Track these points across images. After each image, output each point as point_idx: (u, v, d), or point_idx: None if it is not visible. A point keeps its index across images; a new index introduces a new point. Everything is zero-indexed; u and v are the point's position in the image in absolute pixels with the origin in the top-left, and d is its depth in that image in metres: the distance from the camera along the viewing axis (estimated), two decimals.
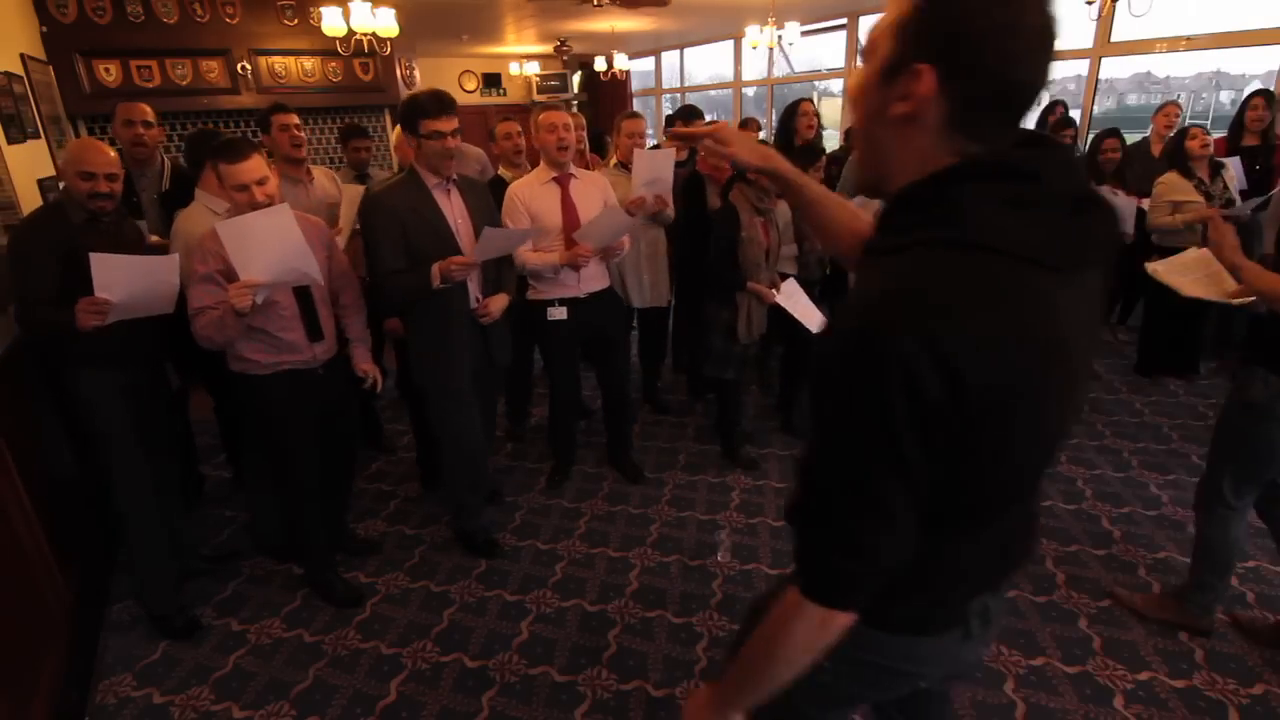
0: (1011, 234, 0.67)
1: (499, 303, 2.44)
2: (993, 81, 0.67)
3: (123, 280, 1.87)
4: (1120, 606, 2.20)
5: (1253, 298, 2.04)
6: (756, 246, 2.84)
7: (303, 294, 2.11)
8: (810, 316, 3.01)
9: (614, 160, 3.32)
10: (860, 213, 1.15)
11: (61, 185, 2.09)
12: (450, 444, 2.49)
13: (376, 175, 3.48)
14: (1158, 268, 2.32)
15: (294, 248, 1.93)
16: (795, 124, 3.65)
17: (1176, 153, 3.47)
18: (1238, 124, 3.82)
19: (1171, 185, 3.45)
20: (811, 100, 3.83)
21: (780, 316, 3.06)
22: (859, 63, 0.78)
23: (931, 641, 0.89)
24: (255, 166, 1.94)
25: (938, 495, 0.72)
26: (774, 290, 2.92)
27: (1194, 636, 2.06)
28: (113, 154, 2.03)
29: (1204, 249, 2.37)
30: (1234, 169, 3.53)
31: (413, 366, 2.45)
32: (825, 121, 9.32)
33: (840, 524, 0.73)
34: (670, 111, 5.24)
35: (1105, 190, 3.47)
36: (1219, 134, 3.85)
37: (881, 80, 0.72)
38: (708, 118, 4.09)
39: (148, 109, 2.84)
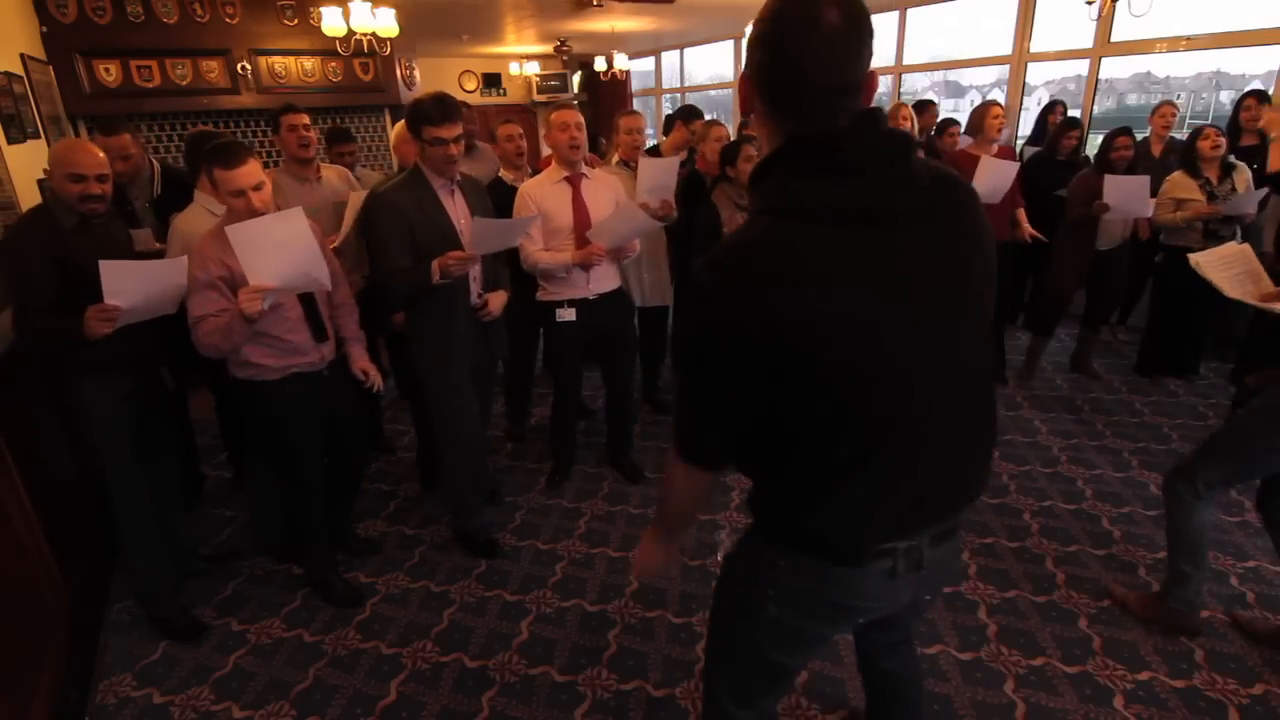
0: (814, 200, 0.84)
1: (499, 300, 2.45)
2: (779, 72, 0.85)
3: (133, 286, 1.84)
4: (1114, 603, 2.20)
5: None
6: None
7: (305, 295, 2.11)
8: None
9: (615, 158, 3.31)
10: None
11: (47, 188, 2.05)
12: (450, 439, 2.50)
13: (366, 176, 3.42)
14: (1200, 259, 2.28)
15: (306, 253, 1.92)
16: None
17: (1187, 152, 3.47)
18: (1234, 125, 3.81)
19: (1176, 184, 3.46)
20: None
21: None
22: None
23: (855, 573, 1.00)
24: (251, 171, 1.89)
25: (789, 414, 0.90)
26: None
27: (1193, 638, 2.06)
28: (101, 154, 1.98)
29: (1245, 244, 2.37)
30: (1247, 172, 3.52)
31: (415, 360, 2.45)
32: None
33: (685, 413, 1.00)
34: (670, 112, 5.23)
35: None
36: None
37: (746, 83, 0.92)
38: (707, 117, 4.08)
39: (129, 139, 2.70)
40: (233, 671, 2.10)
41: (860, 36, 0.82)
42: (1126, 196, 3.34)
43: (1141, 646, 2.04)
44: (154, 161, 2.96)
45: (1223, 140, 3.42)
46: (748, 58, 0.88)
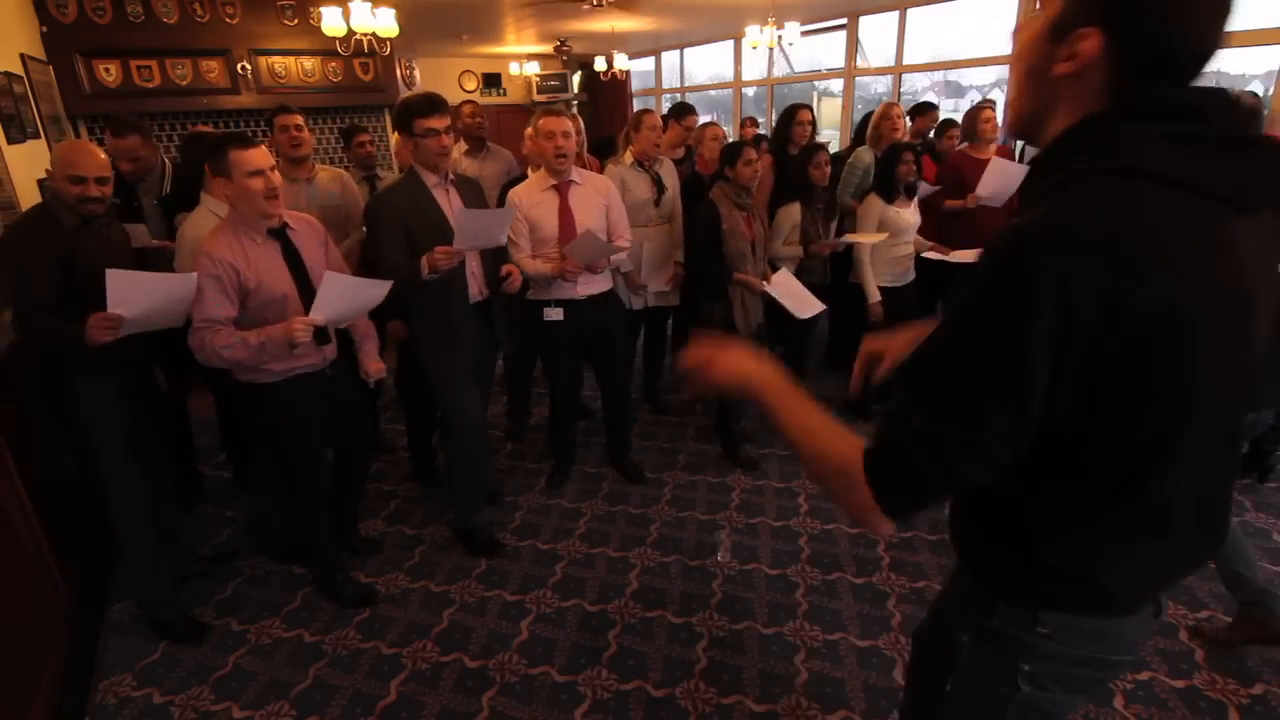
0: (1174, 164, 0.66)
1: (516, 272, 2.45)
2: (1158, 47, 0.67)
3: (138, 298, 1.83)
4: (1207, 641, 2.04)
5: None
6: (740, 238, 2.86)
7: (308, 299, 2.10)
8: (805, 304, 3.01)
9: (630, 158, 3.26)
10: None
11: (48, 188, 2.04)
12: (456, 433, 2.52)
13: (386, 176, 3.45)
14: None
15: (365, 307, 2.12)
16: (791, 131, 3.66)
17: None
18: None
19: None
20: (810, 108, 3.83)
21: (779, 315, 3.07)
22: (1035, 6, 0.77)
23: (1131, 622, 0.84)
24: (265, 153, 1.97)
25: (1097, 443, 0.71)
26: (763, 281, 2.93)
27: (1194, 636, 2.06)
28: (102, 156, 1.99)
29: None
30: None
31: (418, 357, 2.48)
32: (825, 122, 9.34)
33: (930, 425, 0.71)
34: (664, 113, 5.23)
35: None
36: None
37: (1050, 35, 0.72)
38: (707, 117, 4.08)
39: (137, 141, 2.70)
40: (233, 671, 2.10)
41: (1229, 13, 0.67)
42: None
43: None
44: (166, 160, 2.95)
45: None
46: (1093, 17, 0.68)
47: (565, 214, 2.64)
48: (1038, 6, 0.76)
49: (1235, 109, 0.70)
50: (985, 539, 0.84)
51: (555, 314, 2.73)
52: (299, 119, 2.85)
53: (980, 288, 0.69)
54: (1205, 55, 0.68)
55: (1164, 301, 0.64)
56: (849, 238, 3.22)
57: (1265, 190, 0.70)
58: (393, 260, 2.23)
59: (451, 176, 2.37)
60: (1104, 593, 0.80)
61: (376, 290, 2.05)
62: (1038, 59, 0.74)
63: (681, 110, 3.80)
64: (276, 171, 2.00)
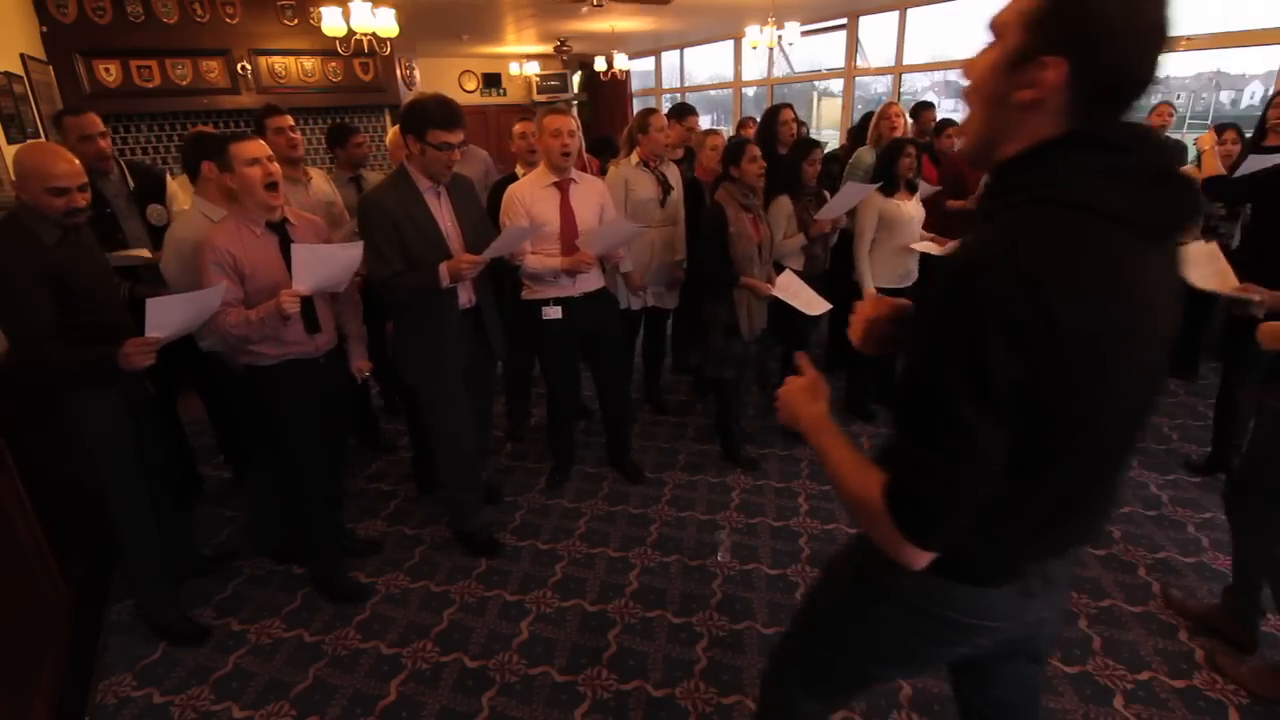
0: (1104, 197, 0.73)
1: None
2: (1115, 75, 0.73)
3: (176, 318, 1.84)
4: (1226, 680, 1.93)
5: (1257, 297, 2.06)
6: (747, 241, 2.85)
7: (307, 305, 2.14)
8: (812, 303, 3.00)
9: (635, 159, 3.25)
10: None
11: (22, 201, 1.87)
12: (442, 442, 2.50)
13: (370, 177, 3.41)
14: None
15: (347, 271, 2.15)
16: (776, 131, 3.67)
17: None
18: (1262, 123, 3.80)
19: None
20: (791, 107, 3.83)
21: (780, 315, 3.07)
22: (982, 42, 0.81)
23: (993, 594, 0.92)
24: (262, 144, 2.05)
25: (1021, 442, 0.76)
26: (769, 283, 2.93)
27: (1194, 635, 2.06)
28: (77, 161, 1.87)
29: (1211, 243, 2.40)
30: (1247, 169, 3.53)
31: (403, 367, 2.46)
32: (825, 122, 9.31)
33: (927, 451, 0.77)
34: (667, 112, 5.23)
35: None
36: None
37: (1008, 67, 0.76)
38: (707, 118, 4.08)
39: (97, 119, 2.67)
40: (233, 671, 2.10)
41: (1167, 40, 0.73)
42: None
43: (1141, 646, 2.04)
44: (119, 161, 2.85)
45: (1226, 145, 3.44)
46: (1055, 48, 0.72)
47: (566, 210, 2.64)
48: (992, 38, 0.79)
49: (1161, 146, 0.79)
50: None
51: (554, 312, 2.72)
52: (290, 119, 2.86)
53: (936, 315, 0.77)
54: (1149, 81, 0.74)
55: (1092, 320, 0.72)
56: (918, 246, 3.19)
57: (1175, 223, 0.80)
58: (391, 265, 2.21)
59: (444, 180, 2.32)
60: (970, 564, 0.90)
61: (351, 252, 2.10)
62: (997, 89, 0.78)
63: (683, 110, 3.79)
64: (275, 163, 2.05)
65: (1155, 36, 0.71)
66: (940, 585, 0.92)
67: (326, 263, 2.06)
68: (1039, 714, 1.19)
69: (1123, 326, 0.74)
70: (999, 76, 0.78)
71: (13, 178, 2.66)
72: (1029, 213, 0.75)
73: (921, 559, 0.81)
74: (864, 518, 0.85)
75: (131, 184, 2.81)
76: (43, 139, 3.45)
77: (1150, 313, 0.77)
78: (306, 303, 2.14)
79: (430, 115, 2.11)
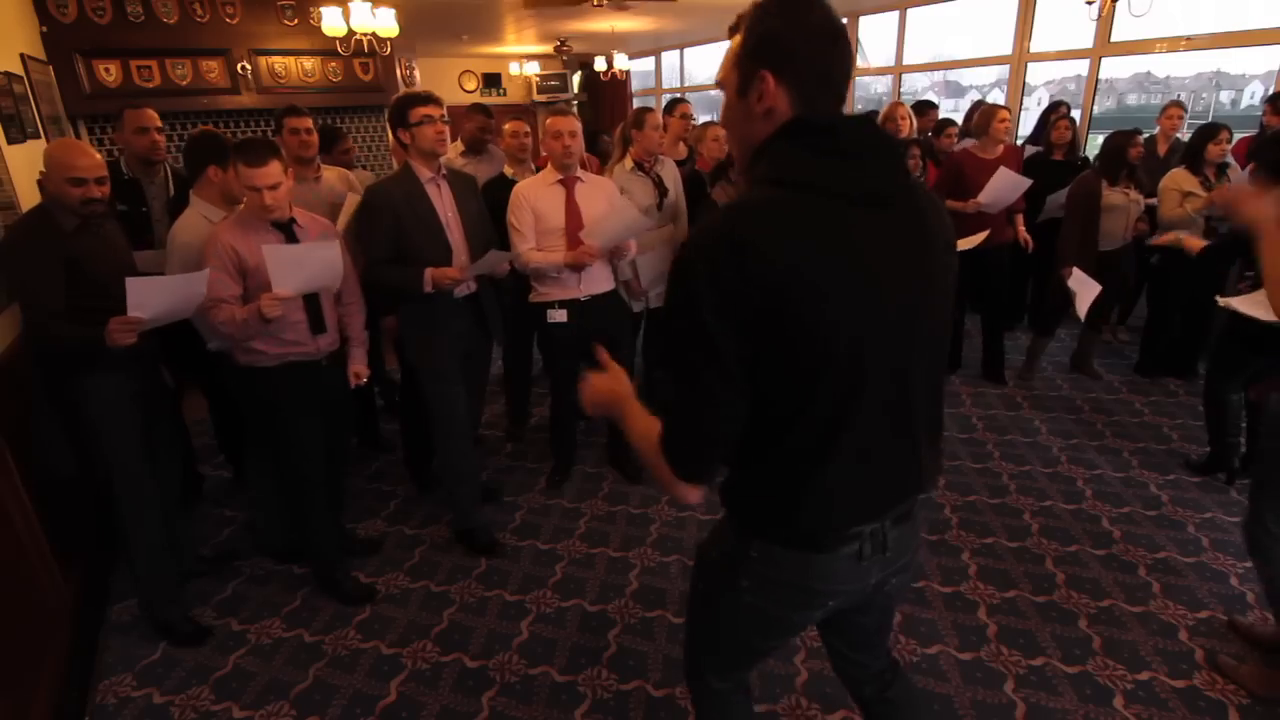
0: (805, 171, 0.90)
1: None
2: (805, 70, 0.90)
3: (155, 300, 1.87)
4: (1227, 681, 1.92)
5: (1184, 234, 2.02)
6: None
7: (311, 303, 2.17)
8: None
9: (629, 162, 3.17)
10: None
11: (45, 191, 2.01)
12: (437, 426, 2.55)
13: (361, 176, 3.40)
14: (1231, 303, 2.37)
15: (331, 272, 2.13)
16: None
17: (1195, 150, 3.48)
18: (1264, 127, 3.80)
19: (1179, 178, 3.47)
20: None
21: None
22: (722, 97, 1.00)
23: (825, 559, 1.03)
24: (272, 172, 2.01)
25: (757, 381, 0.90)
26: None
27: (1194, 636, 2.06)
28: (98, 155, 1.99)
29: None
30: (1239, 170, 3.53)
31: (404, 348, 2.52)
32: None
33: (689, 420, 0.94)
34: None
35: (1118, 190, 3.48)
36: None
37: (739, 95, 0.95)
38: (706, 118, 4.08)
39: (155, 114, 2.85)
40: (233, 671, 2.10)
41: (839, 34, 0.92)
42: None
43: (1141, 646, 2.04)
44: (167, 167, 2.97)
45: (1227, 146, 3.44)
46: (761, 64, 0.91)
47: (572, 206, 2.64)
48: (723, 91, 0.98)
49: (866, 127, 0.93)
50: (727, 484, 1.08)
51: (559, 315, 2.72)
52: (309, 122, 2.87)
53: (670, 283, 0.92)
54: (843, 66, 0.91)
55: (787, 272, 0.84)
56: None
57: (884, 187, 0.93)
58: (378, 253, 2.31)
59: (444, 171, 2.40)
60: (790, 526, 1.01)
61: (325, 252, 2.09)
62: (740, 113, 0.96)
63: (672, 105, 3.80)
64: (280, 189, 2.04)
65: (822, 33, 0.89)
66: (780, 555, 1.04)
67: (302, 263, 2.05)
68: (889, 641, 1.37)
69: (823, 276, 0.86)
70: (737, 105, 0.96)
71: (13, 178, 2.69)
72: (750, 191, 0.93)
73: (691, 493, 0.98)
74: (650, 463, 0.99)
75: (172, 190, 2.88)
76: (43, 139, 3.46)
77: (860, 266, 0.89)
78: (312, 303, 2.16)
79: (407, 98, 2.28)
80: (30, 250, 1.95)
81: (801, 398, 0.92)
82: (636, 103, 10.28)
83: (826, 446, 0.95)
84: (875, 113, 0.92)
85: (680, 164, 3.59)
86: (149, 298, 1.85)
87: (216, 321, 2.04)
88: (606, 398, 1.14)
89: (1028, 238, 3.74)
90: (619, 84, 9.44)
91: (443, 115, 2.29)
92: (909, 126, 3.82)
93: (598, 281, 2.75)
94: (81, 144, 2.01)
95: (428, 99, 2.28)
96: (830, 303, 0.87)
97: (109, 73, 4.39)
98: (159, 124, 2.85)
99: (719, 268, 0.85)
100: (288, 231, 2.12)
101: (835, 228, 0.88)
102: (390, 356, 3.09)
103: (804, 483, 0.97)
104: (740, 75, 0.94)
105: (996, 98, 6.42)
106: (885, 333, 0.92)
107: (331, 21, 4.06)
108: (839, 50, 0.90)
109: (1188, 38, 4.86)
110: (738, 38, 0.94)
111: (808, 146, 0.90)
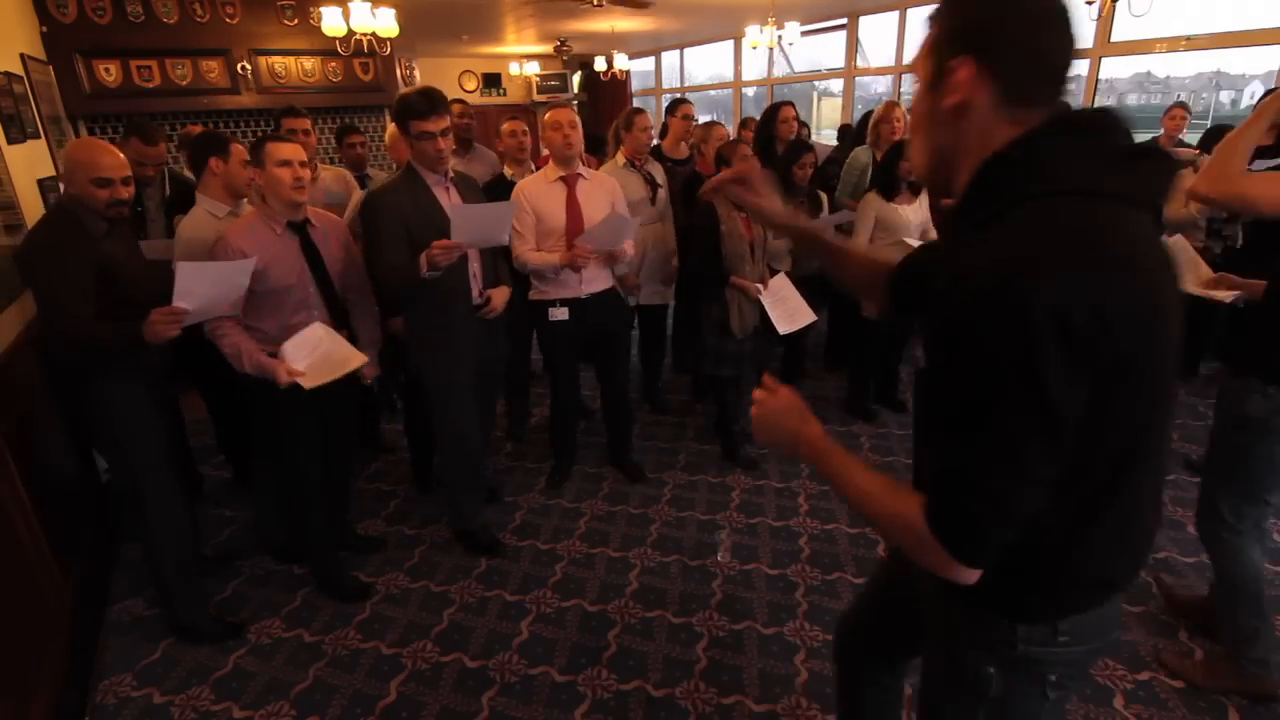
0: (1104, 178, 0.73)
1: (501, 295, 2.45)
2: (1022, 54, 0.75)
3: (203, 288, 1.84)
4: (1169, 673, 1.94)
5: (1230, 294, 2.05)
6: (738, 240, 2.85)
7: (332, 303, 2.19)
8: (796, 314, 2.99)
9: (621, 159, 3.26)
10: (873, 252, 1.25)
11: (69, 194, 1.95)
12: (451, 441, 2.50)
13: (375, 176, 3.46)
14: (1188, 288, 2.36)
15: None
16: (775, 129, 3.65)
17: (1205, 149, 3.50)
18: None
19: (1184, 180, 3.48)
20: (793, 104, 3.83)
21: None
22: (909, 71, 0.86)
23: (1111, 602, 0.90)
24: (298, 149, 2.04)
25: (1099, 440, 0.75)
26: (759, 285, 2.92)
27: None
28: (121, 155, 1.95)
29: (1176, 236, 2.41)
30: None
31: (415, 364, 2.45)
32: (825, 122, 9.28)
33: (987, 488, 0.74)
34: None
35: None
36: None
37: (930, 90, 0.81)
38: (706, 117, 4.08)
39: (122, 157, 2.64)
40: (233, 671, 2.10)
41: (1067, 10, 0.76)
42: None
43: (1141, 646, 2.04)
44: (165, 167, 2.98)
45: None
46: (957, 51, 0.77)
47: (573, 205, 2.63)
48: (915, 79, 0.85)
49: (1122, 120, 0.79)
50: (1000, 574, 0.82)
51: (560, 313, 2.72)
52: (307, 123, 2.87)
53: (976, 333, 0.72)
54: (1065, 51, 0.75)
55: (1138, 301, 0.71)
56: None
57: (1161, 193, 0.82)
58: (394, 259, 2.20)
59: (451, 174, 2.33)
60: (1112, 585, 0.88)
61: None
62: (928, 110, 0.82)
63: (675, 105, 3.81)
64: (306, 169, 2.04)
65: (1054, 19, 0.74)
66: (1089, 621, 0.88)
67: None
68: None
69: (1163, 301, 0.74)
70: (926, 100, 0.82)
71: (13, 178, 2.68)
72: (1031, 209, 0.73)
73: (971, 576, 0.79)
74: (904, 541, 0.82)
75: (167, 191, 2.87)
76: (43, 139, 3.46)
77: (1172, 284, 0.78)
78: (332, 303, 2.17)
79: (410, 107, 2.13)
80: (61, 257, 1.86)
81: (1135, 448, 0.79)
82: (636, 102, 10.28)
83: (1143, 493, 0.84)
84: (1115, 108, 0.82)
85: (681, 164, 3.60)
86: (197, 284, 1.81)
87: (223, 338, 2.03)
88: (791, 432, 0.96)
89: None
90: (619, 84, 9.44)
91: (444, 129, 2.16)
92: (904, 128, 3.81)
93: (597, 279, 2.76)
94: (104, 143, 1.95)
95: (429, 109, 2.12)
96: (1169, 331, 0.76)
97: (109, 73, 4.40)
98: (126, 172, 2.71)
99: (1065, 309, 0.67)
100: (303, 234, 2.11)
101: (1150, 241, 0.75)
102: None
103: (1127, 537, 0.85)
104: (934, 62, 0.80)
105: None
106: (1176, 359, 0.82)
107: (331, 21, 4.06)
108: (1065, 28, 0.75)
109: (1188, 38, 4.86)
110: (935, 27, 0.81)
111: (1087, 149, 0.75)
